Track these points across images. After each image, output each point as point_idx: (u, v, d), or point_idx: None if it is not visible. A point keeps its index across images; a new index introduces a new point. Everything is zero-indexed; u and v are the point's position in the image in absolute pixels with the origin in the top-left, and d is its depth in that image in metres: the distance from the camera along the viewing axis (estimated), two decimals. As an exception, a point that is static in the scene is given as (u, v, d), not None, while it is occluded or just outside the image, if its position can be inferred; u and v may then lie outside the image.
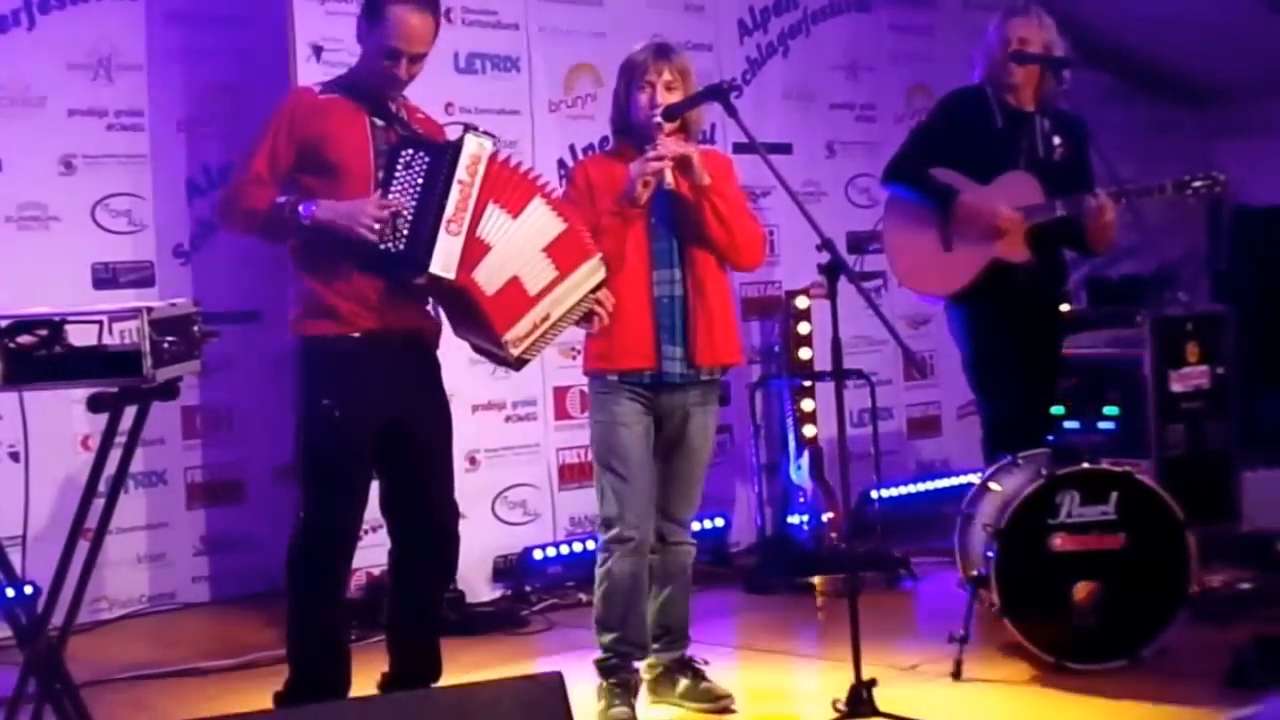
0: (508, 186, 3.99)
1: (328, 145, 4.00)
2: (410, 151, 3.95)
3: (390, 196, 3.90)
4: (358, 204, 3.90)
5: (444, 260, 3.89)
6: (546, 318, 4.01)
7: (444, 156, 3.93)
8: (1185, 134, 8.68)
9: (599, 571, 4.33)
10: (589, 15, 6.29)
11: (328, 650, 4.10)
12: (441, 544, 4.23)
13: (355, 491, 4.09)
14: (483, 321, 3.98)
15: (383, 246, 3.90)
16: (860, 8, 7.30)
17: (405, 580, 4.24)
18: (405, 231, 3.90)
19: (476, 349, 4.25)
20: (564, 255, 4.03)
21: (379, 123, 4.05)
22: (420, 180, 3.92)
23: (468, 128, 3.98)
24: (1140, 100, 8.56)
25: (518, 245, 3.98)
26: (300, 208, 3.93)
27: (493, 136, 4.01)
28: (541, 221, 4.02)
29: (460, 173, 3.90)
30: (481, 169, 3.93)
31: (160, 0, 5.95)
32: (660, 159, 4.15)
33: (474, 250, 3.92)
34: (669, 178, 4.19)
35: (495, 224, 3.96)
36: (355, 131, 4.02)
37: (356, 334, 4.01)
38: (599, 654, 4.35)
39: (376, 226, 3.87)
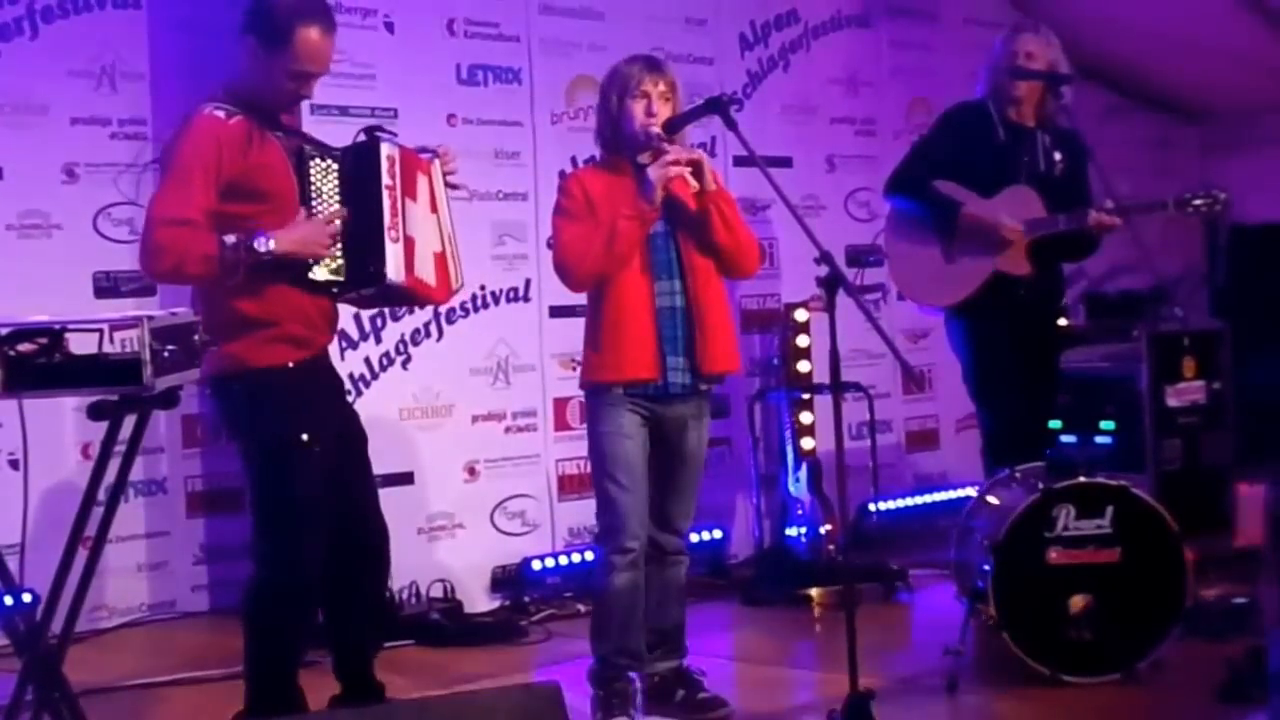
0: (410, 180, 4.04)
1: (259, 174, 3.87)
2: (319, 161, 3.94)
3: (315, 208, 3.89)
4: (313, 229, 3.85)
5: (395, 268, 3.93)
6: (451, 238, 4.18)
7: (364, 162, 3.94)
8: (1183, 151, 8.70)
9: (598, 582, 4.35)
10: (591, 28, 6.30)
11: (293, 692, 4.03)
12: (383, 549, 4.21)
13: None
14: (423, 301, 4.35)
15: (335, 265, 3.92)
16: (860, 23, 7.32)
17: (352, 593, 4.16)
18: (347, 244, 3.90)
19: None
20: (432, 196, 4.14)
21: (281, 135, 3.97)
22: (338, 189, 3.93)
23: (371, 131, 3.99)
24: (1139, 117, 8.58)
25: (428, 226, 4.08)
26: (256, 244, 3.76)
27: (392, 133, 4.05)
28: (424, 192, 4.10)
29: (384, 178, 3.92)
30: (398, 170, 3.97)
31: (163, 9, 5.96)
32: (676, 162, 4.17)
33: (409, 249, 3.98)
34: (691, 182, 4.20)
35: (412, 216, 4.01)
36: (274, 155, 3.91)
37: (311, 356, 3.99)
38: (596, 664, 4.36)
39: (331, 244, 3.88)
